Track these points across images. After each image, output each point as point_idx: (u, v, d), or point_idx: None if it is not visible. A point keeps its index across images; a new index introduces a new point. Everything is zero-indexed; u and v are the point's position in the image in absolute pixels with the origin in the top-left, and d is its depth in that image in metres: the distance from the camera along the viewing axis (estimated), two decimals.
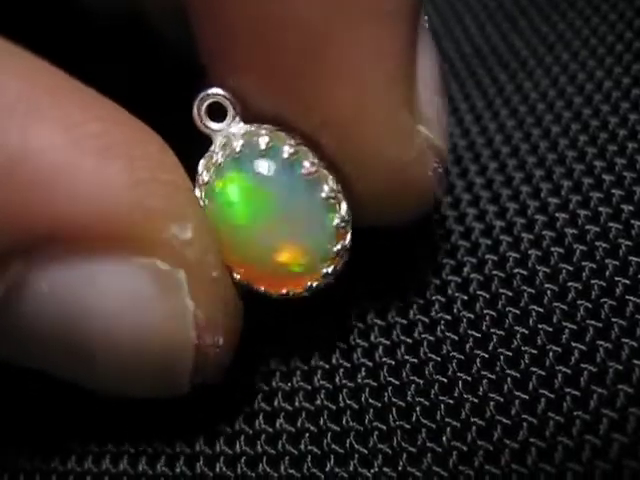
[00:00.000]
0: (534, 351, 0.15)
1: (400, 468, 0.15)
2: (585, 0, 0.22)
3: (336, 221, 0.15)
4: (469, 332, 0.16)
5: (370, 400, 0.16)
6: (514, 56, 0.22)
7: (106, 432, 0.16)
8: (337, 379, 0.16)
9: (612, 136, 0.18)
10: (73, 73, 0.14)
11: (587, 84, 0.20)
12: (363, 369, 0.16)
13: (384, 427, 0.15)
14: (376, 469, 0.15)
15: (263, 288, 0.15)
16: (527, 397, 0.15)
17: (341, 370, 0.16)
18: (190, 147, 0.15)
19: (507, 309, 0.16)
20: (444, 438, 0.15)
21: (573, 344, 0.15)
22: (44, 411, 0.17)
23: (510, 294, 0.16)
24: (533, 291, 0.16)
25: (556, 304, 0.16)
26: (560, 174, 0.18)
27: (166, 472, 0.16)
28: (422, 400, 0.15)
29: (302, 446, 0.16)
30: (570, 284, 0.16)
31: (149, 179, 0.14)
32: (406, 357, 0.16)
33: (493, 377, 0.15)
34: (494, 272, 0.17)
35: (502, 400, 0.15)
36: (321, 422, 0.16)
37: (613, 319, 0.15)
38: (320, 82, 0.14)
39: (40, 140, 0.13)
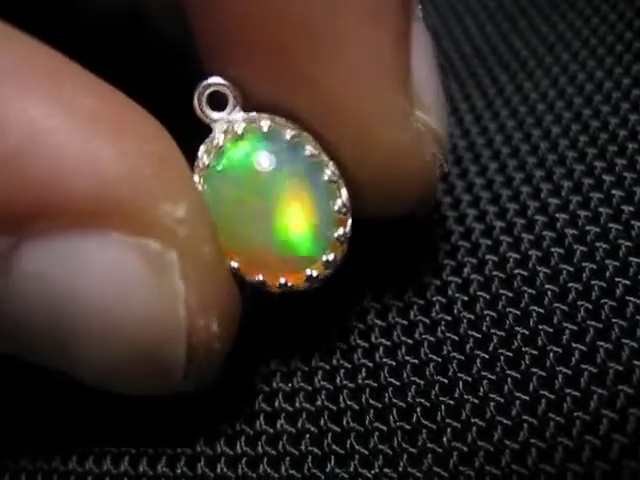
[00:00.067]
0: (534, 352, 0.15)
1: (401, 469, 0.15)
2: (585, 0, 0.22)
3: (337, 206, 0.15)
4: (469, 333, 0.16)
5: (371, 401, 0.16)
6: (514, 56, 0.22)
7: (107, 432, 0.16)
8: (338, 380, 0.16)
9: (612, 137, 0.18)
10: None
11: (587, 84, 0.20)
12: (364, 370, 0.16)
13: (385, 428, 0.15)
14: (377, 470, 0.15)
15: (262, 277, 0.15)
16: (527, 398, 0.15)
17: (342, 371, 0.16)
18: (190, 146, 0.15)
19: (507, 310, 0.16)
20: (444, 439, 0.15)
21: (573, 345, 0.15)
22: (45, 411, 0.17)
23: (510, 295, 0.16)
24: (533, 292, 0.16)
25: (556, 305, 0.16)
26: (560, 175, 0.18)
27: (167, 473, 0.16)
28: (422, 401, 0.15)
29: (303, 447, 0.16)
30: (570, 285, 0.16)
31: (139, 153, 0.13)
32: (407, 358, 0.16)
33: (493, 378, 0.15)
34: (494, 273, 0.17)
35: (502, 401, 0.15)
36: (322, 423, 0.16)
37: (613, 320, 0.15)
38: (316, 66, 0.15)
39: (26, 111, 0.13)
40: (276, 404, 0.16)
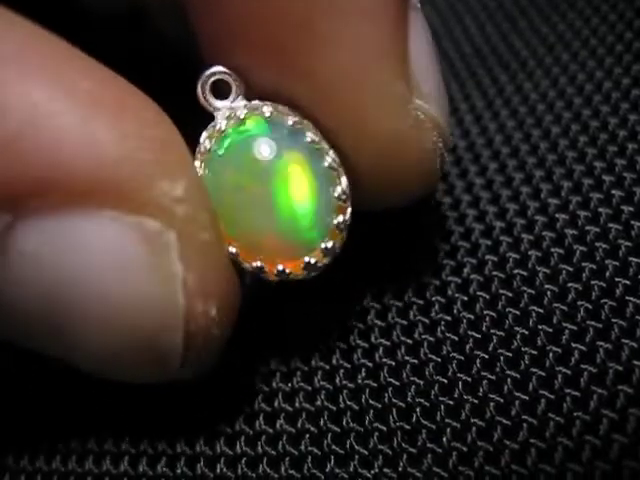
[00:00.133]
0: (534, 352, 0.15)
1: (400, 469, 0.15)
2: (585, 0, 0.22)
3: (337, 193, 0.15)
4: (469, 333, 0.16)
5: (370, 401, 0.16)
6: (514, 56, 0.22)
7: (107, 432, 0.16)
8: (337, 380, 0.16)
9: (612, 137, 0.18)
10: None
11: (587, 84, 0.20)
12: (363, 370, 0.16)
13: (384, 428, 0.15)
14: (376, 470, 0.15)
15: (260, 263, 0.15)
16: (527, 398, 0.15)
17: (341, 371, 0.16)
18: (191, 137, 0.15)
19: (507, 310, 0.16)
20: (444, 439, 0.15)
21: (573, 345, 0.15)
22: (45, 411, 0.17)
23: (510, 295, 0.16)
24: (533, 292, 0.16)
25: (556, 305, 0.16)
26: (560, 175, 0.18)
27: (167, 473, 0.16)
28: (422, 401, 0.15)
29: (302, 447, 0.16)
30: (570, 285, 0.16)
31: (138, 134, 0.13)
32: (406, 358, 0.16)
33: (493, 378, 0.15)
34: (494, 273, 0.17)
35: (502, 401, 0.15)
36: (321, 423, 0.16)
37: (613, 320, 0.15)
38: (314, 56, 0.15)
39: (29, 95, 0.13)
40: (276, 404, 0.16)
